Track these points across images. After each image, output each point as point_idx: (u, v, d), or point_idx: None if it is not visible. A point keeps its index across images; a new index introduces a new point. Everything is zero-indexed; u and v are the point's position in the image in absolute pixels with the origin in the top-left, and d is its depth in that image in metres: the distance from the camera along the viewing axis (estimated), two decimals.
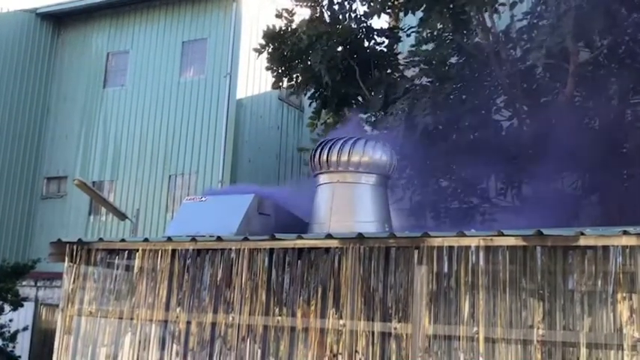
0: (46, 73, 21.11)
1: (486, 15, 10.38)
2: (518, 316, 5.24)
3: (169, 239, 6.73)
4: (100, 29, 20.68)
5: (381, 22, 13.74)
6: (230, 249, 6.44)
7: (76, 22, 21.24)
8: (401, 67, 11.94)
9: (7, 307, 15.70)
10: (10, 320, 15.92)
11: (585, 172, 10.91)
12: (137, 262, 6.87)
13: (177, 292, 6.69)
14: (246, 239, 6.32)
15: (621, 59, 10.14)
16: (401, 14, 12.29)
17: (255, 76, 18.15)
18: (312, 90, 12.23)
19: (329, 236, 6.04)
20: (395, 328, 5.66)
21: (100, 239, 7.36)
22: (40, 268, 16.13)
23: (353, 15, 11.75)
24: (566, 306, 5.13)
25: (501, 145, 10.27)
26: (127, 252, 7.02)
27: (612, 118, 10.33)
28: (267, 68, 12.49)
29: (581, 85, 9.97)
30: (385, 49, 12.30)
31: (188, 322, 6.59)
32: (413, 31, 11.41)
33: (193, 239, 6.56)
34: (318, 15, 11.65)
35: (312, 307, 6.04)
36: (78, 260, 7.15)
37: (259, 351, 6.19)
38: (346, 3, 11.70)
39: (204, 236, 6.59)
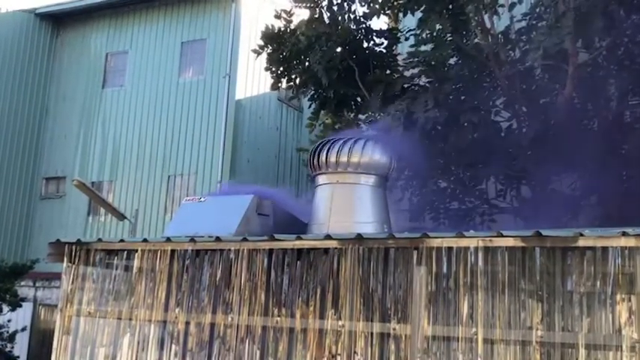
0: (45, 74, 21.11)
1: (485, 16, 10.38)
2: (517, 317, 5.24)
3: (168, 240, 6.73)
4: (99, 29, 20.68)
5: (380, 23, 13.75)
6: (229, 249, 6.45)
7: (75, 22, 21.24)
8: (400, 68, 11.94)
9: (5, 308, 15.69)
10: (9, 320, 15.91)
11: (584, 173, 10.92)
12: (136, 263, 6.88)
13: (176, 293, 6.69)
14: (245, 240, 6.32)
15: (620, 60, 10.14)
16: (400, 15, 12.29)
17: (254, 77, 18.16)
18: (312, 91, 12.22)
19: (328, 237, 6.05)
20: (394, 329, 5.66)
21: (99, 239, 7.36)
22: (39, 269, 16.13)
23: (352, 16, 11.74)
24: (565, 307, 5.13)
25: (500, 146, 10.27)
26: (125, 252, 7.02)
27: (611, 120, 10.34)
28: (266, 69, 12.48)
29: (580, 87, 9.97)
30: (384, 50, 12.30)
31: (187, 323, 6.59)
32: (412, 33, 11.41)
33: (192, 240, 6.56)
34: (317, 16, 11.64)
35: (311, 308, 6.04)
36: (77, 260, 7.15)
37: (258, 352, 6.19)
38: (345, 4, 11.69)
39: (203, 237, 6.59)
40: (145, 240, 6.89)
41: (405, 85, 11.03)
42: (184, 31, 19.06)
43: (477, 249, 5.36)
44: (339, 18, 11.64)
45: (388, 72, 11.97)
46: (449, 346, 5.44)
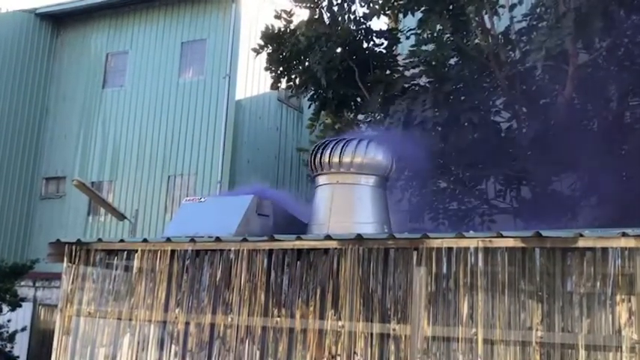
0: (45, 74, 21.11)
1: (486, 17, 10.38)
2: (517, 318, 5.24)
3: (168, 240, 6.73)
4: (99, 30, 20.68)
5: (380, 23, 13.75)
6: (229, 250, 6.45)
7: (76, 22, 21.24)
8: (400, 68, 11.94)
9: (5, 308, 15.69)
10: (9, 320, 15.91)
11: (584, 174, 10.92)
12: (136, 263, 6.88)
13: (176, 293, 6.69)
14: (245, 240, 6.32)
15: (620, 61, 10.15)
16: (400, 15, 12.29)
17: (254, 77, 18.16)
18: (311, 91, 12.23)
19: (328, 237, 6.05)
20: (394, 330, 5.67)
21: (99, 240, 7.36)
22: (39, 269, 16.12)
23: (352, 16, 11.75)
24: (564, 308, 5.13)
25: (500, 146, 10.27)
26: (125, 252, 7.02)
27: (611, 120, 10.34)
28: (266, 69, 12.49)
29: (581, 87, 9.98)
30: (384, 51, 12.31)
31: (187, 323, 6.59)
32: (412, 33, 11.41)
33: (192, 240, 6.56)
34: (317, 16, 11.64)
35: (311, 308, 6.04)
36: (77, 261, 7.15)
37: (258, 352, 6.19)
38: (345, 4, 11.69)
39: (203, 237, 6.59)
40: (145, 240, 6.89)
41: (405, 85, 11.03)
42: (184, 32, 19.06)
43: (476, 249, 5.36)
44: (339, 18, 11.64)
45: (388, 72, 11.98)
46: (449, 347, 5.44)
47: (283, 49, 12.02)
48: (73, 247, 7.17)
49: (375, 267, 5.85)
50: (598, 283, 5.04)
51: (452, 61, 11.19)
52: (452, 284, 5.49)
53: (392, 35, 12.41)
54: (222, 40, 18.21)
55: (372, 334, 5.76)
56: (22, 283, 16.93)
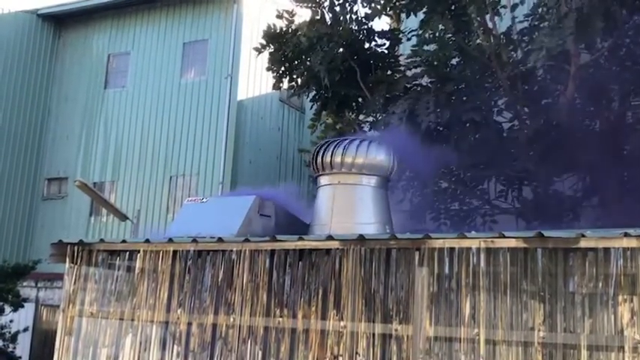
0: (47, 74, 21.14)
1: (487, 17, 10.38)
2: (519, 318, 5.24)
3: (170, 240, 6.73)
4: (101, 30, 20.71)
5: (382, 23, 13.75)
6: (231, 250, 6.45)
7: (77, 23, 21.26)
8: (402, 69, 11.95)
9: (7, 308, 15.71)
10: (11, 321, 15.93)
11: (586, 174, 10.91)
12: (138, 263, 6.88)
13: (178, 294, 6.69)
14: (247, 240, 6.33)
15: (622, 61, 10.14)
16: (402, 16, 12.29)
17: (256, 78, 18.17)
18: (313, 91, 12.24)
19: (330, 238, 6.05)
20: (396, 330, 5.67)
21: (101, 240, 7.38)
22: (41, 269, 16.14)
23: (354, 17, 11.75)
24: (566, 308, 5.13)
25: (502, 146, 10.27)
26: (127, 253, 7.03)
27: (613, 120, 10.34)
28: (268, 69, 12.49)
29: (582, 87, 9.97)
30: (386, 51, 12.31)
31: (189, 324, 6.60)
32: (414, 35, 11.41)
33: (194, 240, 6.56)
34: (319, 17, 11.64)
35: (313, 309, 6.04)
36: (79, 261, 7.16)
37: (260, 352, 6.19)
38: (347, 5, 11.70)
39: (205, 237, 6.59)
40: (147, 241, 6.89)
41: (407, 86, 11.03)
42: (186, 32, 19.07)
43: (478, 250, 5.36)
44: (341, 19, 11.64)
45: (390, 73, 11.98)
46: (451, 347, 5.44)
47: (285, 49, 12.02)
48: (75, 248, 7.18)
49: (377, 267, 5.85)
50: (600, 284, 5.04)
51: (454, 62, 11.19)
52: (454, 284, 5.50)
53: (394, 36, 12.41)
54: (224, 40, 18.23)
55: (374, 335, 5.77)
56: (25, 284, 16.96)
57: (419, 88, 10.81)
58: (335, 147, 7.61)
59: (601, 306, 5.04)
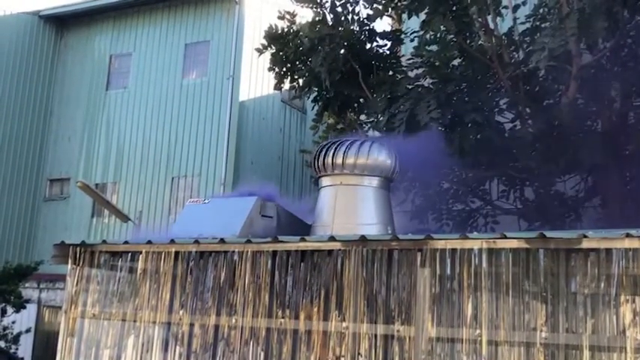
0: (49, 76, 21.17)
1: (489, 17, 10.38)
2: (521, 319, 5.24)
3: (172, 241, 6.74)
4: (102, 31, 20.74)
5: (383, 24, 13.76)
6: (233, 251, 6.45)
7: (79, 24, 21.29)
8: (404, 69, 11.95)
9: (9, 309, 15.73)
10: (13, 322, 15.95)
11: (588, 175, 10.91)
12: (140, 265, 6.88)
13: (181, 295, 6.70)
14: (249, 241, 6.33)
15: (624, 62, 10.14)
16: (404, 16, 12.29)
17: (257, 79, 18.19)
18: (315, 92, 12.25)
19: (332, 238, 6.05)
20: (398, 331, 5.66)
21: (103, 241, 7.38)
22: (43, 270, 16.17)
23: (355, 17, 11.76)
24: (569, 308, 5.13)
25: (504, 147, 10.27)
26: (130, 254, 7.03)
27: (615, 121, 10.33)
28: (269, 69, 12.51)
29: (584, 88, 9.97)
30: (388, 52, 12.32)
31: (191, 325, 6.59)
32: (416, 35, 11.42)
33: (196, 241, 6.57)
34: (320, 17, 11.65)
35: (315, 310, 6.04)
36: (81, 262, 7.16)
37: (262, 353, 6.19)
38: (349, 5, 11.71)
39: (207, 238, 6.60)
40: (149, 242, 6.90)
41: (409, 87, 11.03)
42: (188, 33, 19.10)
43: (480, 250, 5.35)
44: (342, 19, 11.65)
45: (391, 73, 11.98)
46: (453, 348, 5.44)
47: (286, 49, 12.03)
48: (78, 249, 7.18)
49: (379, 268, 5.85)
50: (602, 284, 5.03)
51: (455, 62, 11.20)
52: (456, 285, 5.49)
53: (395, 36, 12.42)
54: (226, 41, 18.25)
55: (376, 336, 5.76)
56: (27, 285, 16.98)
57: (420, 89, 10.81)
58: (337, 148, 7.60)
59: (603, 306, 5.03)
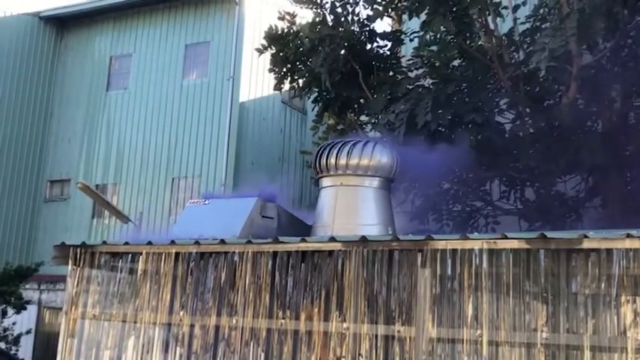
0: (49, 77, 21.17)
1: (489, 18, 10.39)
2: (522, 319, 5.24)
3: (173, 242, 6.74)
4: (103, 32, 20.74)
5: (383, 25, 13.76)
6: (233, 252, 6.45)
7: (79, 25, 21.29)
8: (404, 70, 11.96)
9: (10, 310, 15.72)
10: (14, 323, 15.94)
11: (588, 175, 10.91)
12: (140, 265, 6.88)
13: (181, 295, 6.69)
14: (249, 242, 6.33)
15: (624, 62, 10.14)
16: (404, 17, 12.30)
17: (258, 79, 18.18)
18: (315, 93, 12.25)
19: (332, 239, 6.04)
20: (398, 331, 5.66)
21: (104, 242, 7.37)
22: (44, 271, 16.15)
23: (355, 18, 11.76)
24: (569, 309, 5.13)
25: (504, 147, 10.27)
26: (130, 255, 7.03)
27: (615, 121, 10.33)
28: (270, 70, 12.52)
29: (584, 88, 9.97)
30: (388, 52, 12.32)
31: (192, 325, 6.59)
32: (416, 36, 11.42)
33: (197, 242, 6.56)
34: (320, 18, 11.66)
35: (316, 310, 6.04)
36: (81, 263, 7.16)
37: (263, 354, 6.19)
38: (349, 6, 11.71)
39: (207, 239, 6.59)
40: (149, 243, 6.89)
41: (409, 87, 11.04)
42: (188, 34, 19.10)
43: (481, 251, 5.35)
44: (343, 20, 11.65)
45: (391, 74, 11.98)
46: (453, 349, 5.44)
47: (286, 50, 12.04)
48: (78, 250, 7.18)
49: (380, 269, 5.84)
50: (603, 284, 5.03)
51: (455, 63, 11.20)
52: (456, 286, 5.49)
53: (395, 37, 12.43)
54: (226, 42, 18.24)
55: (376, 336, 5.76)
56: (27, 286, 16.96)
57: (420, 90, 10.82)
58: (337, 149, 7.60)
59: (604, 307, 5.03)
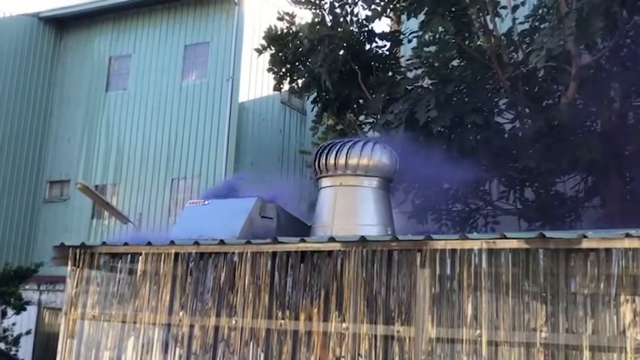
0: (49, 77, 21.17)
1: (488, 18, 10.39)
2: (521, 319, 5.24)
3: (172, 243, 6.74)
4: (102, 33, 20.74)
5: (382, 25, 13.76)
6: (233, 252, 6.45)
7: (79, 26, 21.30)
8: (403, 70, 11.96)
9: (10, 311, 15.72)
10: (13, 324, 15.94)
11: (587, 175, 10.91)
12: (140, 266, 6.88)
13: (180, 296, 6.70)
14: (248, 242, 6.33)
15: (623, 62, 10.15)
16: (402, 17, 12.31)
17: (257, 80, 18.19)
18: (314, 93, 12.25)
19: (332, 239, 6.05)
20: (398, 331, 5.66)
21: (103, 243, 7.37)
22: (43, 272, 16.16)
23: (354, 18, 11.77)
24: (569, 309, 5.13)
25: (503, 147, 10.27)
26: (129, 255, 7.03)
27: (614, 121, 10.34)
28: (269, 70, 12.53)
29: (583, 88, 9.98)
30: (387, 53, 12.33)
31: (191, 326, 6.59)
32: (414, 36, 11.42)
33: (196, 243, 6.57)
34: (319, 19, 11.67)
35: (315, 311, 6.04)
36: (81, 264, 7.16)
37: (262, 354, 6.19)
38: (347, 6, 11.72)
39: (206, 240, 6.60)
40: (149, 243, 6.90)
41: (408, 87, 11.04)
42: (187, 34, 19.10)
43: (480, 251, 5.36)
44: (342, 20, 11.66)
45: (390, 74, 11.99)
46: (453, 348, 5.44)
47: (286, 50, 12.05)
48: (78, 251, 7.18)
49: (379, 269, 5.85)
50: (602, 284, 5.04)
51: (454, 63, 11.20)
52: (456, 286, 5.49)
53: (394, 37, 12.43)
54: (226, 42, 18.24)
55: (376, 336, 5.76)
56: (27, 287, 16.96)
57: (419, 90, 10.82)
58: (336, 149, 7.61)
59: (603, 307, 5.04)
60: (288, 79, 12.35)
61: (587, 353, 4.94)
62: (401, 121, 9.80)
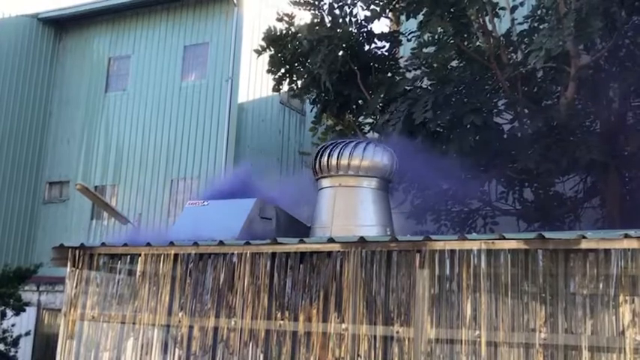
0: (48, 78, 21.16)
1: (487, 19, 10.39)
2: (520, 320, 5.24)
3: (171, 243, 6.74)
4: (101, 34, 20.73)
5: (381, 25, 13.77)
6: (232, 253, 6.46)
7: (78, 26, 21.28)
8: (402, 70, 11.97)
9: (9, 312, 15.69)
10: (13, 325, 15.91)
11: (587, 175, 10.92)
12: (139, 267, 6.89)
13: (180, 297, 6.70)
14: (248, 243, 6.33)
15: (622, 62, 10.15)
16: (402, 18, 12.31)
17: (256, 81, 18.18)
18: (314, 94, 12.25)
19: (331, 240, 6.05)
20: (397, 332, 5.67)
21: (103, 244, 7.37)
22: (43, 273, 16.13)
23: (353, 19, 11.78)
24: (568, 309, 5.13)
25: (502, 148, 10.28)
26: (129, 256, 7.03)
27: (613, 121, 10.34)
28: (268, 71, 12.53)
29: (582, 88, 9.98)
30: (386, 53, 12.33)
31: (190, 327, 6.60)
32: (414, 36, 11.43)
33: (195, 243, 6.57)
34: (318, 19, 11.67)
35: (314, 311, 6.05)
36: (80, 265, 7.16)
37: (261, 355, 6.20)
38: (346, 7, 11.73)
39: (206, 240, 6.60)
40: (148, 244, 6.90)
41: (407, 88, 11.05)
42: (187, 35, 19.09)
43: (479, 251, 5.36)
44: (341, 21, 11.66)
45: (390, 75, 11.99)
46: (452, 349, 5.44)
47: (285, 51, 12.05)
48: (77, 252, 7.18)
49: (378, 269, 5.85)
50: (601, 285, 5.04)
51: (453, 63, 11.20)
52: (455, 286, 5.50)
53: (393, 38, 12.43)
54: (225, 43, 18.23)
55: (375, 337, 5.77)
56: (26, 288, 16.93)
57: (418, 90, 10.82)
58: (336, 149, 7.61)
59: (602, 307, 5.04)
60: (288, 79, 12.35)
61: (586, 354, 4.95)
62: (398, 120, 9.81)
